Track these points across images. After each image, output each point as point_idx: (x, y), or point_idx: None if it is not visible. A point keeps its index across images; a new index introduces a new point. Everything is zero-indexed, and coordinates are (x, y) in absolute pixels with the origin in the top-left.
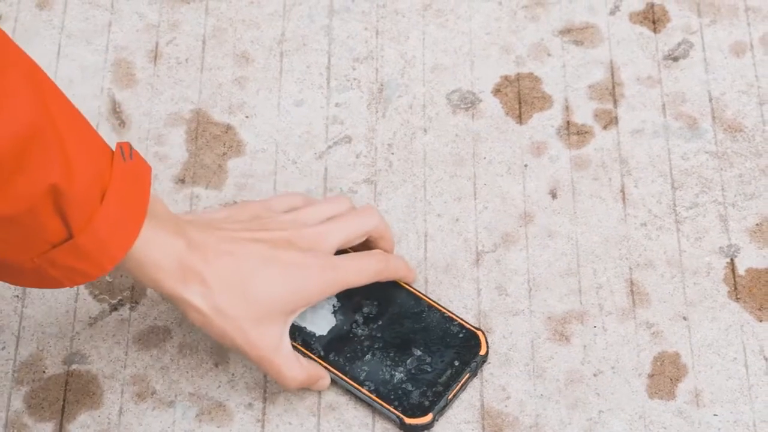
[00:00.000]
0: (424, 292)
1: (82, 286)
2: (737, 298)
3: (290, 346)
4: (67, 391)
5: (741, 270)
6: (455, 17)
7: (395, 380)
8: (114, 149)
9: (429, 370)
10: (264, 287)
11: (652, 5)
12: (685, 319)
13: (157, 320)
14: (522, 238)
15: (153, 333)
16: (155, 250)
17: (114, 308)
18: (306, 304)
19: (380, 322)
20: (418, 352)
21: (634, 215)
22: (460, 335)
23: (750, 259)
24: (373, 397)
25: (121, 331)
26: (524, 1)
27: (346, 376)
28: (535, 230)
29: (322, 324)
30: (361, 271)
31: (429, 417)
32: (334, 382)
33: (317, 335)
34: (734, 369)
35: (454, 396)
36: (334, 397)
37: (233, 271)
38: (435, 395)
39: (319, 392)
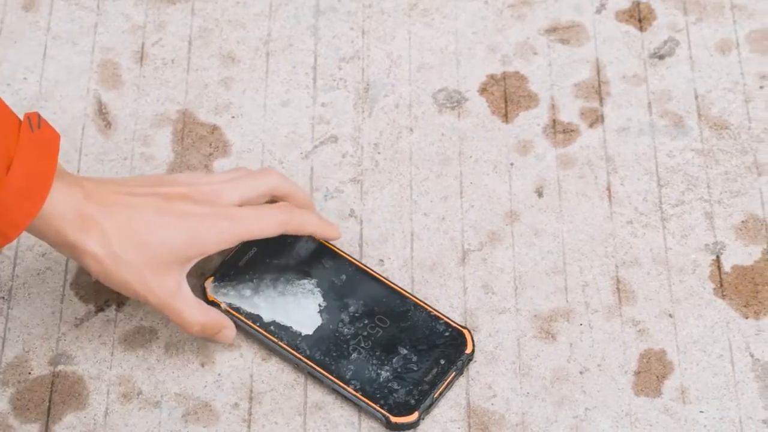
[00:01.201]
0: (410, 291)
1: (68, 287)
2: (723, 295)
3: (190, 292)
4: (53, 392)
5: (727, 267)
6: (441, 16)
7: (381, 379)
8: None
9: (415, 368)
10: (160, 235)
11: (638, 3)
12: (671, 316)
13: (143, 321)
14: (508, 236)
15: (139, 333)
16: (57, 203)
17: (100, 309)
18: (202, 253)
19: (366, 321)
20: (404, 351)
21: (620, 213)
22: (446, 334)
23: (736, 256)
24: (359, 396)
25: (107, 332)
26: None
27: (332, 375)
28: (521, 229)
29: (308, 323)
30: (262, 219)
31: (415, 415)
32: (319, 381)
33: (303, 335)
34: (720, 366)
35: (440, 395)
36: (320, 396)
37: (129, 219)
38: (421, 394)
39: (306, 392)
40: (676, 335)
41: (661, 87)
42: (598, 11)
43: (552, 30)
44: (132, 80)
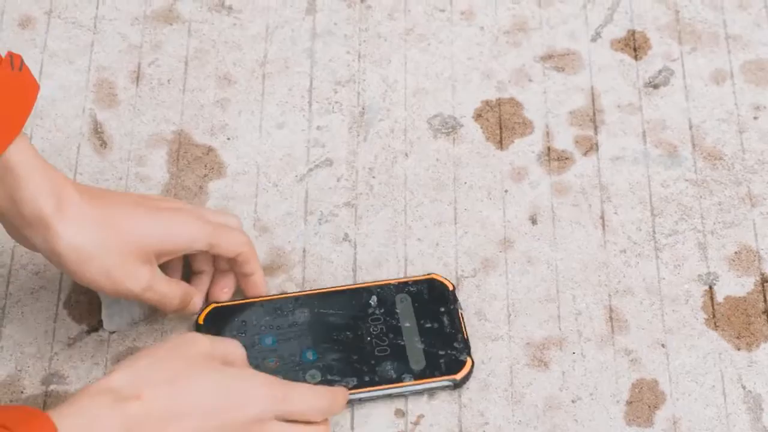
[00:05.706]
0: (358, 281)
1: (61, 306)
2: (715, 326)
3: (162, 273)
4: (45, 411)
5: (719, 298)
6: (437, 42)
7: (426, 354)
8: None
9: (437, 331)
10: (132, 225)
11: (633, 32)
12: (663, 346)
13: (136, 341)
14: (502, 263)
15: (131, 354)
16: (33, 170)
17: (93, 329)
18: (174, 248)
19: (364, 324)
20: (409, 325)
21: (613, 242)
22: (424, 289)
23: (728, 287)
24: (419, 383)
25: (100, 352)
26: (506, 26)
27: (380, 384)
28: (514, 256)
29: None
30: (229, 235)
31: (468, 361)
32: (359, 401)
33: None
34: (712, 397)
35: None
36: None
37: (104, 210)
38: (459, 344)
39: None
40: (668, 365)
41: (655, 116)
42: (594, 39)
43: (547, 57)
44: (128, 100)
